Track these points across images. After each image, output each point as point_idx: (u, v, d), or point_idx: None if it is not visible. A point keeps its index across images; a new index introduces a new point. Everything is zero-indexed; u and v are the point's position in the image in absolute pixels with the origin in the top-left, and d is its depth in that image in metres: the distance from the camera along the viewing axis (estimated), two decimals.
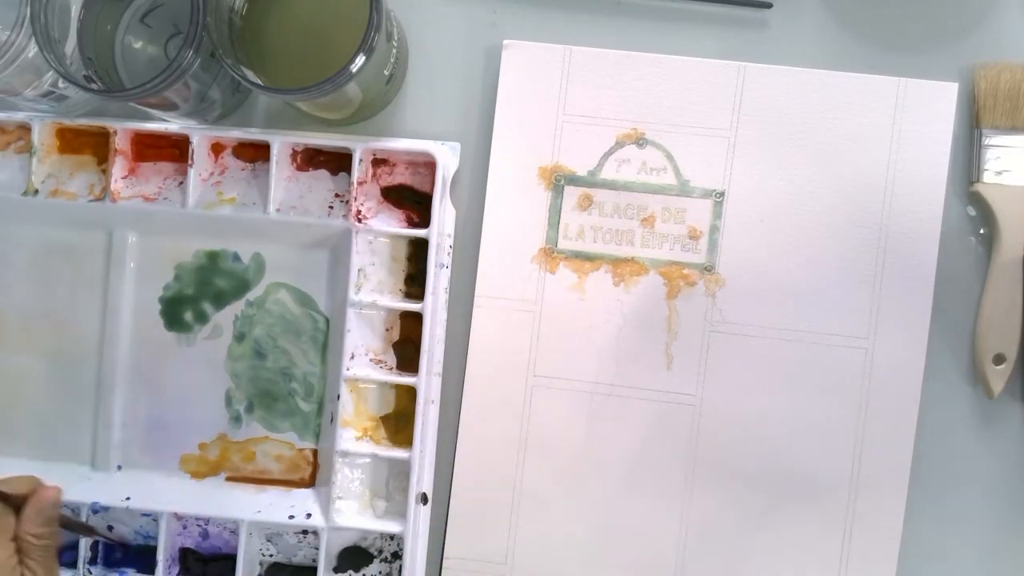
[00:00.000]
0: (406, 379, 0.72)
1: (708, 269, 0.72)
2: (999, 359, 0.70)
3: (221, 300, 0.76)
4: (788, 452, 0.71)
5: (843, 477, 0.71)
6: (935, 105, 0.71)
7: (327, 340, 0.75)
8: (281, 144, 0.72)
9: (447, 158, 0.73)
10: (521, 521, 0.72)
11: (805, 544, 0.69)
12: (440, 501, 0.73)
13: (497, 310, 0.73)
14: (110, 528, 0.75)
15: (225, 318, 0.76)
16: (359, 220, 0.72)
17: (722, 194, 0.72)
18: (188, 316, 0.76)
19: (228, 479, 0.75)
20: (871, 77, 0.71)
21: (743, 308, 0.72)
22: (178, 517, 0.74)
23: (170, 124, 0.72)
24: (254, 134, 0.73)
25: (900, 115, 0.71)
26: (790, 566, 0.71)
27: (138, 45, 0.69)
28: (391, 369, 0.74)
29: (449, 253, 0.73)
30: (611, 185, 0.72)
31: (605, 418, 0.72)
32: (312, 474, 0.75)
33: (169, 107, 0.69)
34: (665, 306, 0.72)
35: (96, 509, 0.74)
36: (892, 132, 0.71)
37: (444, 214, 0.73)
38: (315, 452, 0.75)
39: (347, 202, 0.72)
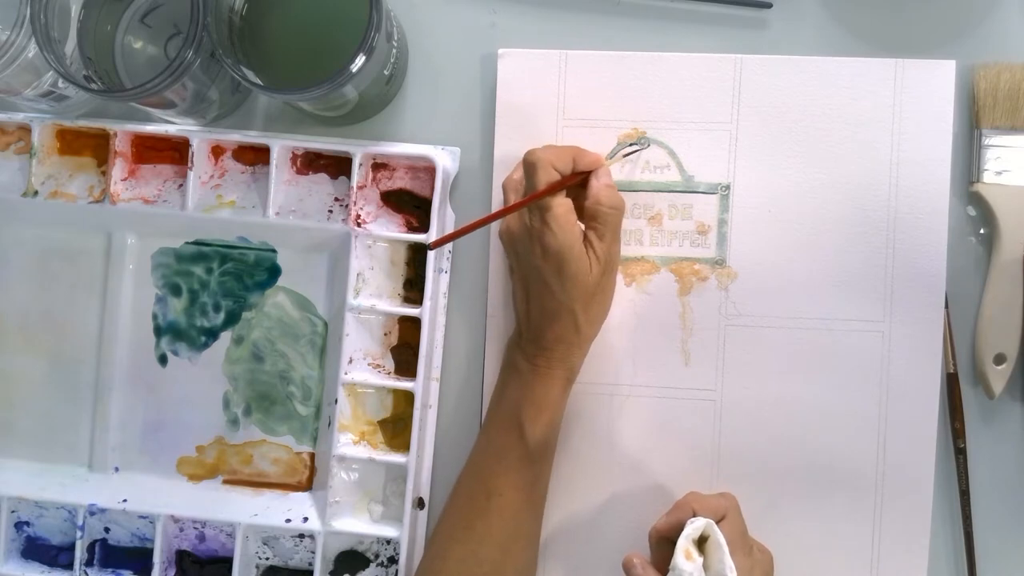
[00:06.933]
0: (404, 384, 0.72)
1: (719, 263, 0.72)
2: (999, 359, 0.70)
3: None
4: (813, 441, 0.71)
5: (869, 464, 0.70)
6: (934, 84, 0.71)
7: (325, 344, 0.75)
8: (281, 148, 0.72)
9: (447, 162, 0.72)
10: (549, 527, 0.72)
11: (835, 534, 0.68)
12: (437, 506, 0.73)
13: (511, 319, 0.72)
14: (107, 530, 0.75)
15: None
16: (358, 224, 0.72)
17: (727, 187, 0.72)
18: None
19: (225, 482, 0.75)
20: (868, 60, 0.71)
21: (757, 299, 0.72)
22: (175, 520, 0.73)
23: (170, 127, 0.72)
24: (254, 137, 0.73)
25: (900, 96, 0.71)
26: (820, 558, 0.71)
27: (138, 45, 0.69)
28: (389, 373, 0.74)
29: (448, 258, 0.73)
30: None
31: (626, 419, 0.72)
32: (309, 478, 0.75)
33: (166, 105, 0.69)
34: (678, 303, 0.72)
35: (93, 511, 0.73)
36: (893, 113, 0.71)
37: (444, 218, 0.73)
38: (312, 456, 0.75)
39: (346, 206, 0.72)
